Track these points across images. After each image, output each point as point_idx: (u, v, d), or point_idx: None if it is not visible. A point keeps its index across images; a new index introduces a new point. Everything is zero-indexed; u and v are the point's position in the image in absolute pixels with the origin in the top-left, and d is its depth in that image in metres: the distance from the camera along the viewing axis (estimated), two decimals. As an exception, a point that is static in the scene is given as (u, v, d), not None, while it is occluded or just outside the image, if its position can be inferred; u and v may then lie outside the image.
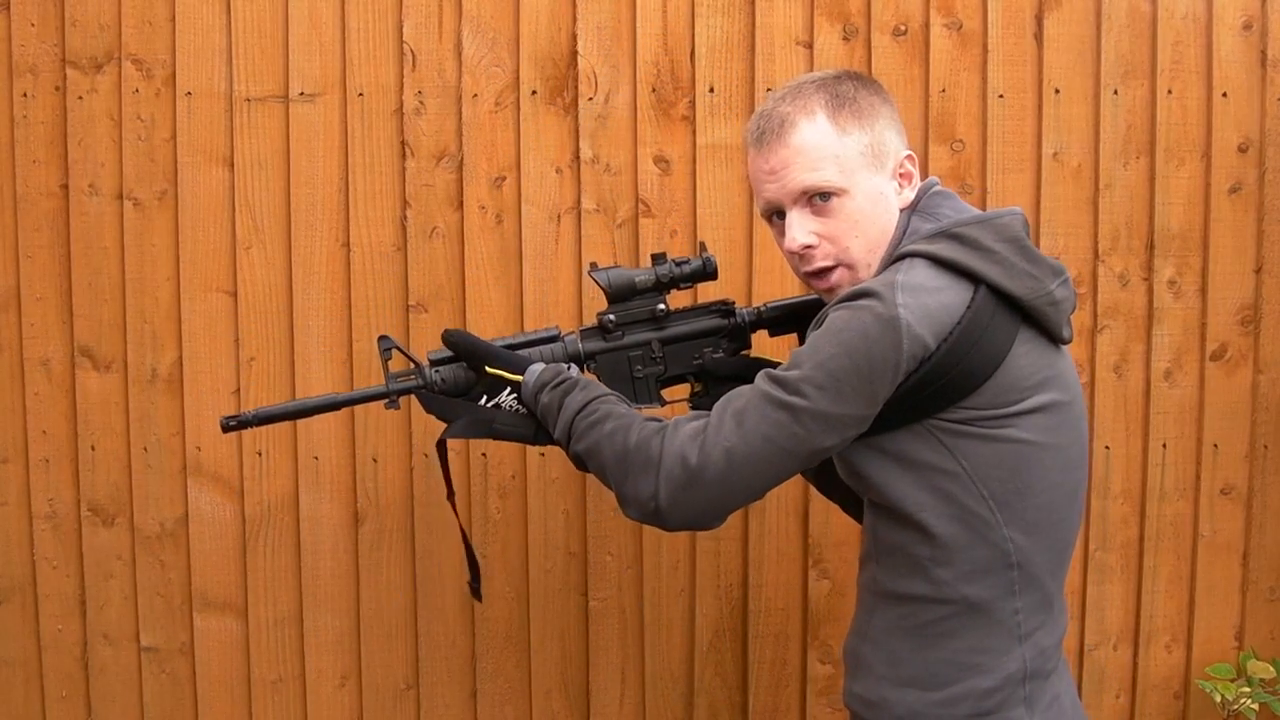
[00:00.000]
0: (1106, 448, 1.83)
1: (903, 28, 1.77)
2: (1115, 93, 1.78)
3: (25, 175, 1.82)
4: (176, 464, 1.85)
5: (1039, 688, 1.16)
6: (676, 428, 1.13)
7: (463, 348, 1.32)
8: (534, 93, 1.79)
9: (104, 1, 1.80)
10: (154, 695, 1.89)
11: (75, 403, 1.85)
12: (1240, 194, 1.80)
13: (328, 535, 1.85)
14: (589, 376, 1.32)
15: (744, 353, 1.41)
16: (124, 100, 1.81)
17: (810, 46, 1.77)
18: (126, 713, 1.90)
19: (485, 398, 1.30)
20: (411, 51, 1.79)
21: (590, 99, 1.79)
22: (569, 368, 1.31)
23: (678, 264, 1.37)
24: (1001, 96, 1.78)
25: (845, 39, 1.78)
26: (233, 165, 1.81)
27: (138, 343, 1.84)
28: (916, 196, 1.22)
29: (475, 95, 1.79)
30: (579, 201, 1.80)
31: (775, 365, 1.40)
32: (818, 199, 1.18)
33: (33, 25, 1.81)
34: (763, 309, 1.41)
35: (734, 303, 1.41)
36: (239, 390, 1.83)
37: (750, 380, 1.15)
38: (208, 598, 1.87)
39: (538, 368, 1.29)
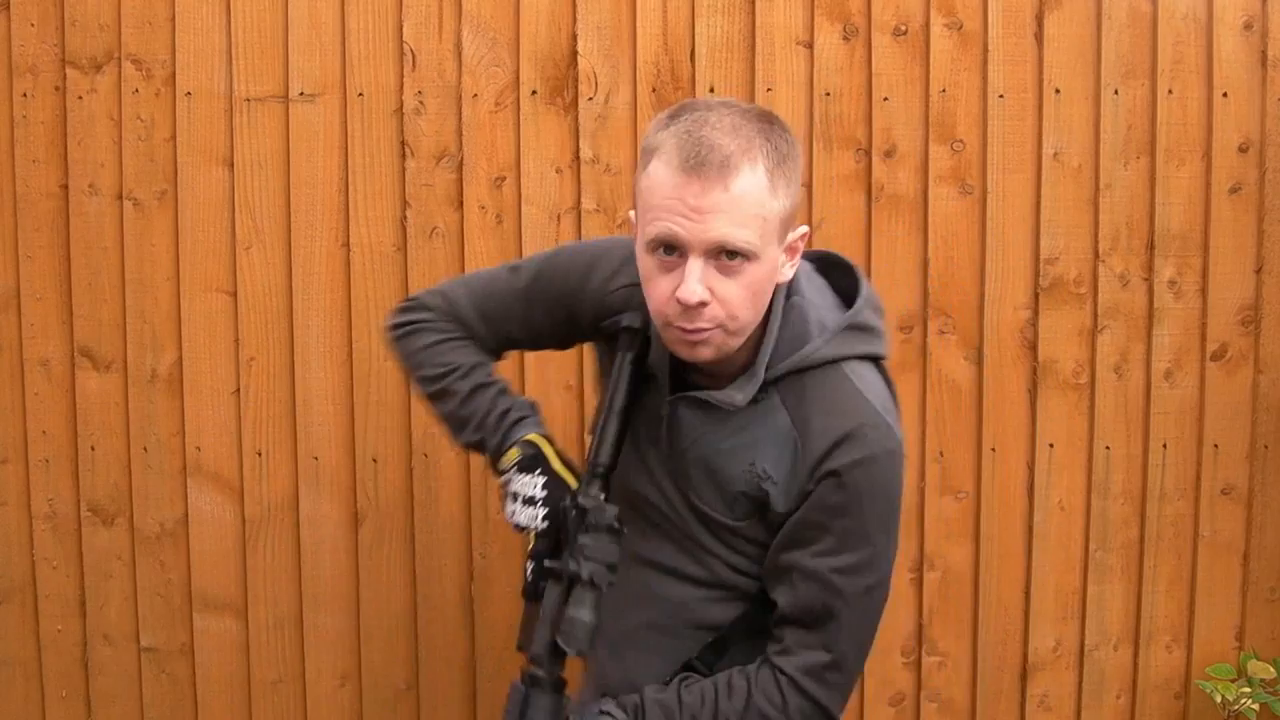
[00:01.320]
0: (1107, 448, 1.83)
1: (903, 28, 1.77)
2: (1115, 93, 1.78)
3: (25, 175, 1.82)
4: (176, 464, 1.85)
5: None
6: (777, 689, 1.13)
7: None
8: (534, 93, 1.79)
9: (104, 1, 1.80)
10: (154, 695, 1.89)
11: (75, 403, 1.85)
12: (1240, 194, 1.80)
13: (328, 535, 1.85)
14: None
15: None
16: (124, 100, 1.81)
17: (810, 46, 1.77)
18: (126, 713, 1.90)
19: None
20: (411, 51, 1.79)
21: (590, 99, 1.79)
22: None
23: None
24: (1001, 96, 1.78)
25: (845, 39, 1.78)
26: (233, 165, 1.81)
27: (138, 343, 1.84)
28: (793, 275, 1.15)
29: (475, 95, 1.79)
30: (579, 201, 1.80)
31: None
32: (726, 257, 1.05)
33: (33, 25, 1.81)
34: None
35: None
36: (239, 390, 1.83)
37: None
38: (208, 598, 1.87)
39: None
